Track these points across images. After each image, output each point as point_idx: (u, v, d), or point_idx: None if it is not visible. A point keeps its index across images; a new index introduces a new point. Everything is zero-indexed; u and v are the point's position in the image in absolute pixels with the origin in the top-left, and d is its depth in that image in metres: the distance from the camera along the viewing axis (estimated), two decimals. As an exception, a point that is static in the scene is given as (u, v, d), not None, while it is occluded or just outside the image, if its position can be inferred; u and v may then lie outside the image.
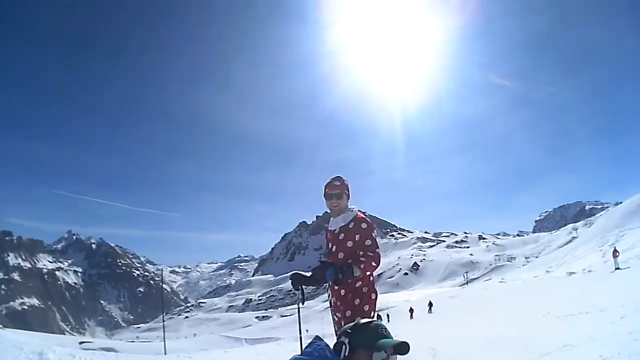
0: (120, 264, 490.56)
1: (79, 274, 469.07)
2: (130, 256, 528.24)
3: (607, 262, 31.68)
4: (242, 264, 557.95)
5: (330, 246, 3.20)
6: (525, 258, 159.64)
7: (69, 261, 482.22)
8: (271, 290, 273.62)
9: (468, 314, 16.08)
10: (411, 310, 30.55)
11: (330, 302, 3.25)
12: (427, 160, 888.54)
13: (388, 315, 37.65)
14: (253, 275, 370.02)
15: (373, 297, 3.05)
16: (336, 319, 3.15)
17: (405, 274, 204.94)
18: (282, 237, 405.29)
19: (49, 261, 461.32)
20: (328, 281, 2.84)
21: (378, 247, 3.03)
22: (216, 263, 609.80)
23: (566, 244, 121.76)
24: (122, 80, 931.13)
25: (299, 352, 1.76)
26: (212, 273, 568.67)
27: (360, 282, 2.99)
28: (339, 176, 3.20)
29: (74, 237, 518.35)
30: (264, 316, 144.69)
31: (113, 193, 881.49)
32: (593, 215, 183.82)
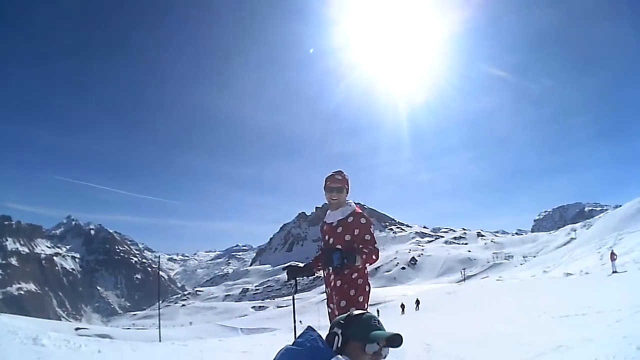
0: (118, 250, 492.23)
1: (77, 259, 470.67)
2: (129, 243, 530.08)
3: (605, 264, 31.75)
4: (240, 253, 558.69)
5: (326, 238, 3.26)
6: (523, 257, 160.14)
7: (67, 247, 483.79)
8: (268, 280, 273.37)
9: (464, 311, 16.19)
10: (402, 306, 30.50)
11: (327, 294, 3.31)
12: (428, 156, 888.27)
13: (378, 311, 37.55)
14: (251, 265, 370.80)
15: (367, 290, 3.12)
16: (330, 310, 3.22)
17: (403, 268, 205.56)
18: (281, 228, 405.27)
19: (47, 246, 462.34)
20: (334, 264, 2.89)
21: (376, 243, 3.11)
22: (214, 252, 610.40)
23: (564, 244, 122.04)
24: (125, 68, 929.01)
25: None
26: (209, 262, 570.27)
27: (356, 274, 3.06)
28: (340, 170, 3.27)
29: (73, 222, 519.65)
30: (260, 306, 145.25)
31: (114, 180, 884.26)
32: (592, 217, 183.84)
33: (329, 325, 1.85)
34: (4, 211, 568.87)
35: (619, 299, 7.05)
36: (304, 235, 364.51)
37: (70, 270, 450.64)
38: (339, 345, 1.68)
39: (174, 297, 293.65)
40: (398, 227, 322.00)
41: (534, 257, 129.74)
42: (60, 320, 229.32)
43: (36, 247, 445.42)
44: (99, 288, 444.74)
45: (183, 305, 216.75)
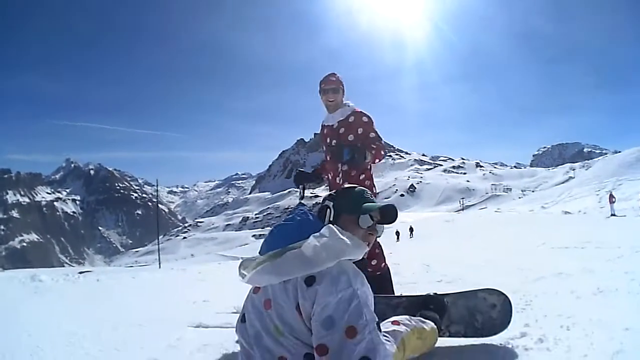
0: (118, 187, 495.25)
1: (78, 202, 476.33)
2: (129, 179, 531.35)
3: (603, 207, 32.36)
4: (240, 181, 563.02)
5: (329, 141, 3.20)
6: (522, 191, 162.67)
7: (68, 190, 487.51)
8: (268, 208, 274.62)
9: (462, 239, 16.58)
10: (397, 233, 31.06)
11: None
12: (430, 85, 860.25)
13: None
14: (250, 193, 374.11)
15: (374, 191, 3.08)
16: None
17: (402, 195, 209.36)
18: (280, 155, 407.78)
19: (48, 193, 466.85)
20: (345, 158, 2.88)
21: (382, 139, 3.09)
22: (213, 181, 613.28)
23: (563, 182, 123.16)
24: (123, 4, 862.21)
25: None
26: (209, 192, 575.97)
27: (363, 175, 3.06)
28: (333, 72, 3.17)
29: (72, 165, 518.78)
30: (260, 234, 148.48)
31: (111, 117, 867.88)
32: (591, 159, 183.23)
33: None
34: (3, 164, 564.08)
35: (619, 239, 7.27)
36: (302, 162, 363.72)
37: (71, 213, 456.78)
38: (331, 219, 1.58)
39: (175, 229, 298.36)
40: (397, 154, 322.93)
41: (532, 192, 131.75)
42: (64, 266, 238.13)
43: (36, 195, 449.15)
44: (100, 228, 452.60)
45: (184, 237, 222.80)
